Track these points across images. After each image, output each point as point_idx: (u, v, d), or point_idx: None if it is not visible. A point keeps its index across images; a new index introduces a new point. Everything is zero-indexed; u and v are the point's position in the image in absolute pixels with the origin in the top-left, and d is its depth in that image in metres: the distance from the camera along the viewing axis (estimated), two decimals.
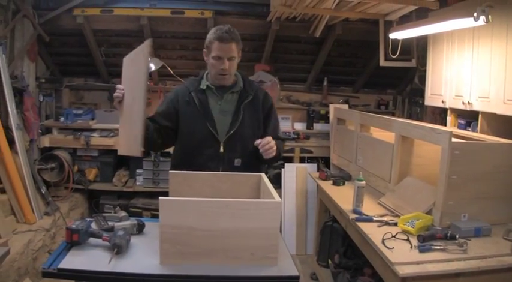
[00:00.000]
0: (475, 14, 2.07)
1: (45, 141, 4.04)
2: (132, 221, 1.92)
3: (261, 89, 2.25)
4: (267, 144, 2.00)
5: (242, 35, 4.58)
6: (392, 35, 3.12)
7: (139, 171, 4.35)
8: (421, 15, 3.45)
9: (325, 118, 4.72)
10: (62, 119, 4.21)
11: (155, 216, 3.94)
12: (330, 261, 3.16)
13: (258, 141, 2.02)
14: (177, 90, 2.21)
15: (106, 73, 4.57)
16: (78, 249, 1.68)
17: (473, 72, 2.81)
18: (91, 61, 4.39)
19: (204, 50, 2.11)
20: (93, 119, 4.39)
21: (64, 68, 4.48)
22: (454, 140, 2.18)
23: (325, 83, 4.84)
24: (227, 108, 2.11)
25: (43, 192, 3.63)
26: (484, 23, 2.10)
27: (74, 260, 1.59)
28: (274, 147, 2.03)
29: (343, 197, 2.88)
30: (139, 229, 1.90)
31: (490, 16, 2.09)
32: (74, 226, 1.72)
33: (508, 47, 2.45)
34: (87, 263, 1.58)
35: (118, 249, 1.63)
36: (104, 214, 2.01)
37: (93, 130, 4.26)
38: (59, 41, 4.13)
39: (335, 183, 3.18)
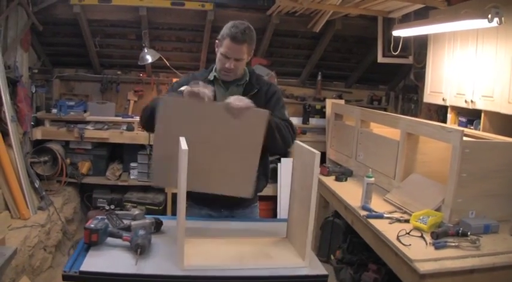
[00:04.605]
0: (489, 16, 2.09)
1: (38, 134, 3.92)
2: (150, 219, 1.88)
3: (267, 82, 2.18)
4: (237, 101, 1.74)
5: None
6: (396, 33, 3.13)
7: (133, 164, 4.27)
8: (420, 13, 3.47)
9: (320, 113, 4.73)
10: (53, 110, 4.09)
11: (150, 211, 3.88)
12: (332, 257, 3.19)
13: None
14: (189, 78, 2.11)
15: (98, 64, 4.46)
16: (96, 250, 1.62)
17: (476, 71, 2.84)
18: (83, 52, 4.26)
19: (217, 41, 2.05)
20: (85, 111, 4.27)
21: (55, 58, 4.34)
22: (464, 138, 2.22)
23: (319, 77, 4.83)
24: None
25: (36, 186, 3.52)
26: (497, 25, 2.12)
27: (95, 262, 1.53)
28: (249, 103, 1.76)
29: (348, 193, 2.90)
30: (157, 227, 1.85)
31: (503, 18, 2.11)
32: (92, 226, 1.65)
33: None
34: (110, 265, 1.52)
35: (141, 249, 1.58)
36: (117, 212, 1.95)
37: (87, 122, 4.15)
38: (51, 31, 4.00)
39: (338, 179, 3.20)
